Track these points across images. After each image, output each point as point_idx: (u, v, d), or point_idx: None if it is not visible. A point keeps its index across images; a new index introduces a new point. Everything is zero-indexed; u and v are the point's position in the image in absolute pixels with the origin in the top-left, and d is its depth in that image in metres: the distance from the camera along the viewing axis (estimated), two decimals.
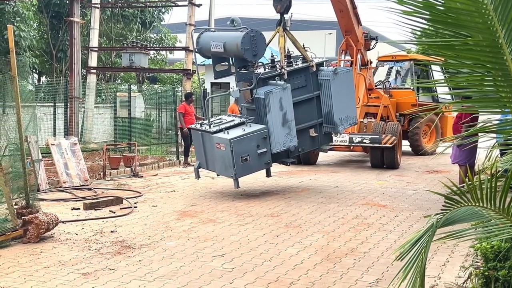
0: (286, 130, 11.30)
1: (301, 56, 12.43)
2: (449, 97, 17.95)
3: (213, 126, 11.49)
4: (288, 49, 12.42)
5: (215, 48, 11.70)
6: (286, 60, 12.01)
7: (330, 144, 13.32)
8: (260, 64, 12.29)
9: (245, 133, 10.93)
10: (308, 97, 12.02)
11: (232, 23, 11.92)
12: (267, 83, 11.57)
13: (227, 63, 12.52)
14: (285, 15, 12.19)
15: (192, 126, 13.16)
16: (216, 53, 11.95)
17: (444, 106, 15.70)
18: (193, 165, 17.02)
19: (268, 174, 11.89)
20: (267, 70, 12.07)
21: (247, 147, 10.86)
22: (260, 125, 11.23)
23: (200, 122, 12.88)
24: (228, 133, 10.96)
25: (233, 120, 11.88)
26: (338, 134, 13.10)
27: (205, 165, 11.89)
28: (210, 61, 13.07)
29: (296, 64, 12.11)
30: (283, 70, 11.65)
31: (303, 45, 12.57)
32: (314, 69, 12.05)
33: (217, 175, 12.21)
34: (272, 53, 12.80)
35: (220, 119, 12.40)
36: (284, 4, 12.04)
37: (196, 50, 12.42)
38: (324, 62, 12.91)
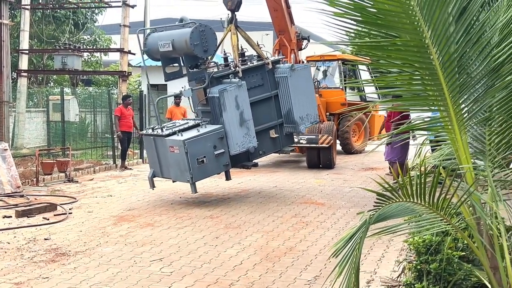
0: (244, 130, 11.05)
1: (256, 54, 12.25)
2: (376, 96, 18.30)
3: (166, 129, 11.17)
4: (241, 47, 12.19)
5: (163, 47, 11.42)
6: (239, 58, 11.80)
7: (292, 145, 13.24)
8: (213, 63, 11.95)
9: (200, 134, 10.64)
10: (265, 96, 11.83)
11: (181, 21, 11.73)
12: (221, 82, 11.34)
13: (177, 64, 12.23)
14: (236, 13, 12.11)
15: (144, 131, 12.86)
16: (165, 53, 11.65)
17: (372, 105, 16.12)
18: (130, 168, 16.89)
19: (228, 177, 11.59)
20: (220, 68, 11.76)
21: (203, 148, 10.57)
22: (216, 125, 10.97)
23: (151, 127, 12.45)
24: (181, 135, 10.65)
25: (187, 122, 11.62)
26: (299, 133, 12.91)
27: (160, 173, 11.50)
28: (149, 63, 12.79)
29: (251, 63, 11.88)
30: (237, 68, 11.45)
31: (257, 43, 12.51)
32: (270, 66, 11.87)
33: (173, 181, 11.81)
34: (224, 51, 12.51)
35: (173, 123, 12.11)
36: (235, 1, 11.98)
37: (144, 52, 12.02)
38: (280, 60, 12.70)
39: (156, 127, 11.67)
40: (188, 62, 11.50)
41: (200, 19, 11.55)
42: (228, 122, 10.89)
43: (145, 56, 12.14)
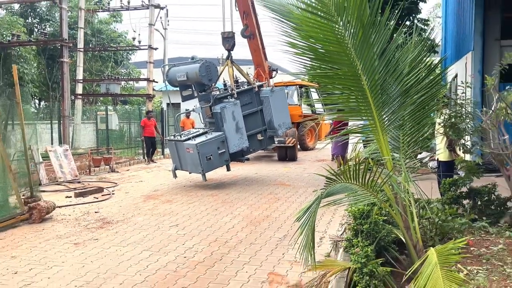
0: (239, 135, 11.07)
1: (246, 81, 12.29)
2: (323, 110, 18.51)
3: (183, 136, 11.14)
4: (236, 76, 12.25)
5: (180, 78, 11.44)
6: (235, 84, 11.80)
7: (273, 144, 13.15)
8: (216, 88, 11.93)
9: (208, 139, 10.60)
10: (254, 110, 11.76)
11: (192, 59, 11.78)
12: (221, 101, 11.31)
13: (190, 90, 12.13)
14: (231, 51, 12.05)
15: (168, 137, 12.84)
16: (181, 81, 11.63)
17: (321, 117, 16.18)
18: (155, 162, 16.78)
19: (228, 169, 11.46)
20: (221, 92, 11.76)
21: (210, 149, 10.53)
22: (219, 132, 10.91)
23: (173, 134, 12.31)
24: (195, 140, 10.63)
25: (198, 131, 11.55)
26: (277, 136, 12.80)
27: (180, 167, 11.38)
28: (168, 88, 12.75)
29: (243, 87, 11.89)
30: (233, 91, 11.44)
31: (247, 73, 12.57)
32: (257, 89, 11.87)
33: (189, 173, 11.66)
34: (224, 80, 12.51)
35: (188, 131, 12.03)
36: (231, 43, 11.96)
37: (166, 81, 12.03)
38: (263, 84, 12.70)
39: (177, 134, 11.63)
40: (198, 88, 11.51)
41: (205, 57, 11.48)
42: (227, 130, 10.90)
43: (167, 83, 12.18)
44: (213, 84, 11.42)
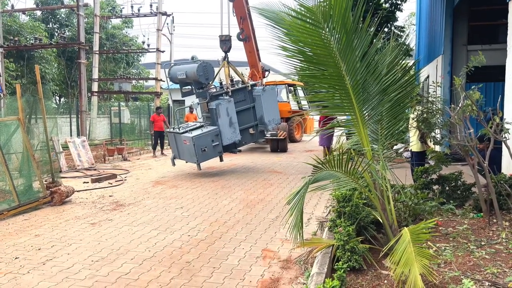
0: (232, 129, 10.89)
1: (241, 80, 12.08)
2: (308, 107, 18.40)
3: (181, 129, 10.99)
4: (231, 75, 12.03)
5: (180, 76, 11.24)
6: (230, 83, 11.60)
7: (264, 138, 12.95)
8: (213, 86, 11.71)
9: (203, 132, 10.43)
10: (247, 107, 11.55)
11: (192, 59, 11.62)
12: (217, 98, 11.10)
13: (190, 87, 11.93)
14: (228, 53, 11.89)
15: (167, 130, 12.64)
16: (181, 79, 11.42)
17: (307, 112, 16.10)
18: (165, 154, 16.68)
19: (221, 159, 11.38)
20: (217, 90, 11.54)
21: (205, 141, 10.36)
22: (214, 126, 10.72)
23: (173, 126, 12.14)
24: (191, 133, 10.47)
25: (195, 124, 11.38)
26: (268, 131, 12.58)
27: (178, 156, 11.26)
28: (174, 86, 12.58)
29: (237, 86, 11.66)
30: (228, 89, 11.25)
31: (242, 73, 12.37)
32: (250, 88, 11.65)
33: (186, 162, 11.52)
34: (220, 79, 12.26)
35: (187, 124, 11.86)
36: (228, 45, 11.79)
37: (168, 78, 11.83)
38: (256, 84, 12.49)
39: (176, 127, 11.51)
40: (196, 86, 11.33)
41: (206, 59, 11.29)
42: (221, 124, 10.75)
43: (168, 80, 12.01)
44: (210, 83, 11.23)
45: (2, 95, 12.77)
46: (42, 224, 6.39)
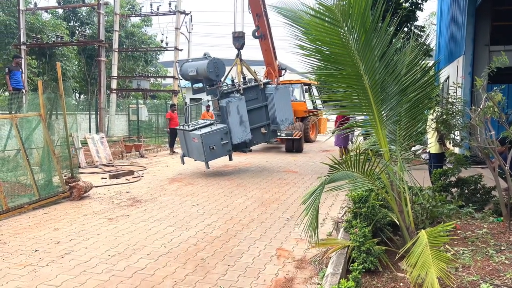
0: (242, 128, 10.67)
1: (253, 78, 11.86)
2: (323, 106, 18.17)
3: (191, 126, 10.86)
4: (243, 73, 11.84)
5: (191, 73, 11.12)
6: (242, 80, 11.43)
7: (276, 137, 12.65)
8: (224, 83, 11.43)
9: (212, 130, 10.30)
10: (259, 105, 11.35)
11: (205, 55, 11.56)
12: (228, 96, 10.94)
13: (201, 84, 11.70)
14: (241, 50, 11.73)
15: (177, 127, 12.60)
16: (192, 76, 11.28)
17: (321, 112, 15.87)
18: (176, 152, 16.80)
19: (230, 159, 11.27)
20: (228, 87, 11.32)
21: (214, 139, 10.21)
22: (223, 125, 10.56)
23: (182, 124, 12.12)
24: (200, 131, 10.35)
25: (205, 122, 11.28)
26: (280, 130, 12.23)
27: (187, 154, 11.15)
28: (189, 84, 12.56)
29: (250, 84, 11.47)
30: (239, 87, 11.08)
31: (254, 71, 12.18)
32: (262, 86, 11.46)
33: (195, 160, 11.39)
34: (232, 76, 12.00)
35: (197, 122, 11.73)
36: (241, 43, 11.65)
37: (180, 75, 11.76)
38: (269, 82, 12.25)
39: (185, 124, 11.35)
40: (206, 83, 11.14)
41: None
42: (231, 123, 10.56)
43: (180, 78, 11.89)
44: (221, 80, 11.05)
45: (24, 91, 13.05)
46: (61, 218, 6.52)
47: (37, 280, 4.20)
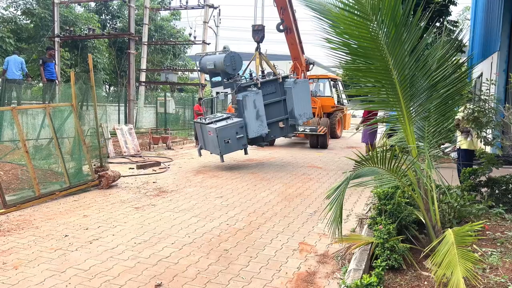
0: (259, 122, 10.61)
1: (272, 72, 11.72)
2: (348, 101, 17.92)
3: (207, 120, 10.81)
4: (262, 66, 11.76)
5: (209, 66, 11.13)
6: (260, 74, 11.33)
7: (294, 132, 12.39)
8: (242, 77, 11.36)
9: (227, 124, 10.24)
10: (277, 99, 11.23)
11: (224, 49, 11.56)
12: (245, 90, 10.84)
13: (219, 78, 11.65)
14: (260, 43, 11.69)
15: (195, 120, 12.65)
16: (210, 69, 11.30)
17: (347, 107, 15.53)
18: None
19: (246, 153, 11.10)
20: (246, 81, 11.21)
21: (229, 133, 10.14)
22: (239, 118, 10.49)
23: (200, 117, 11.98)
24: (216, 124, 10.30)
25: (222, 116, 11.21)
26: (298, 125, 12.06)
27: (204, 147, 11.13)
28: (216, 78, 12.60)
29: (268, 77, 11.32)
30: (257, 81, 10.94)
31: (273, 64, 12.06)
32: (281, 80, 11.27)
33: (210, 153, 11.31)
34: (250, 70, 11.94)
35: (214, 115, 11.70)
36: (260, 36, 11.62)
37: (199, 69, 11.73)
38: (288, 75, 11.96)
39: (202, 118, 11.34)
40: (224, 76, 11.11)
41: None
42: (248, 117, 10.47)
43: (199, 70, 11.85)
44: (238, 73, 10.94)
45: (57, 82, 13.45)
46: (90, 206, 6.72)
47: (67, 264, 4.36)
